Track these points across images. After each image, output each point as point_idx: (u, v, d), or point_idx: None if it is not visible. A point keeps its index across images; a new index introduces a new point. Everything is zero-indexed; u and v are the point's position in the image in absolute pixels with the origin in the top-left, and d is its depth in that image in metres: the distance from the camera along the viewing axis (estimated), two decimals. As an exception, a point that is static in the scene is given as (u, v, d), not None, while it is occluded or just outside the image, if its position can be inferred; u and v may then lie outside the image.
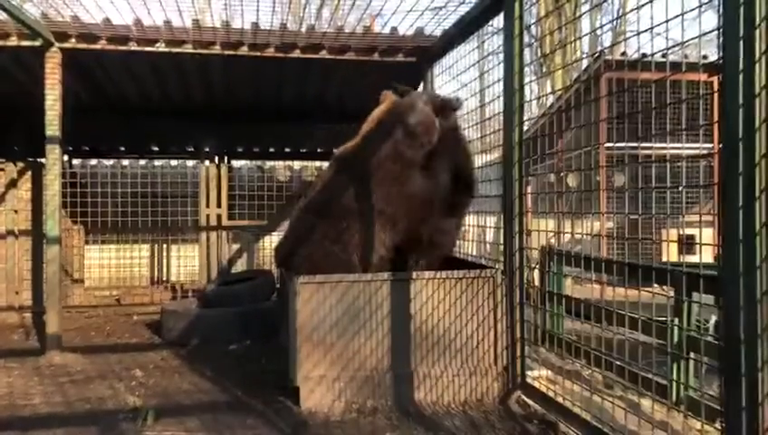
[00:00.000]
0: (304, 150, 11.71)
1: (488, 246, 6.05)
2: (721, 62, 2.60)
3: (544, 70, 14.55)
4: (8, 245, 7.90)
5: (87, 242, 9.32)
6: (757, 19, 2.45)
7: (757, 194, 2.45)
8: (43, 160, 6.64)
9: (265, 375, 5.35)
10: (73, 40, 6.15)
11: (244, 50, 6.46)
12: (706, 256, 5.71)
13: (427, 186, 5.02)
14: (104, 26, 6.01)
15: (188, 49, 6.38)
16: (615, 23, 17.09)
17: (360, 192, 4.88)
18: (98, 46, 6.25)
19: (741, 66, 2.49)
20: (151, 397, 4.75)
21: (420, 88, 6.89)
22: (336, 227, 4.84)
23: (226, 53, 6.46)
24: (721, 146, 2.61)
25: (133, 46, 6.30)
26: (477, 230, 6.06)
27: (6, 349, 6.44)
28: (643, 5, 3.37)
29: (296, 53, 6.54)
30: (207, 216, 9.15)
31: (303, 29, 6.30)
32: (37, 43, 6.08)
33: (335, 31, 6.33)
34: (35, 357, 5.96)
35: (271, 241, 9.42)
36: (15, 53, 6.51)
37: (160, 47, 6.34)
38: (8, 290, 7.87)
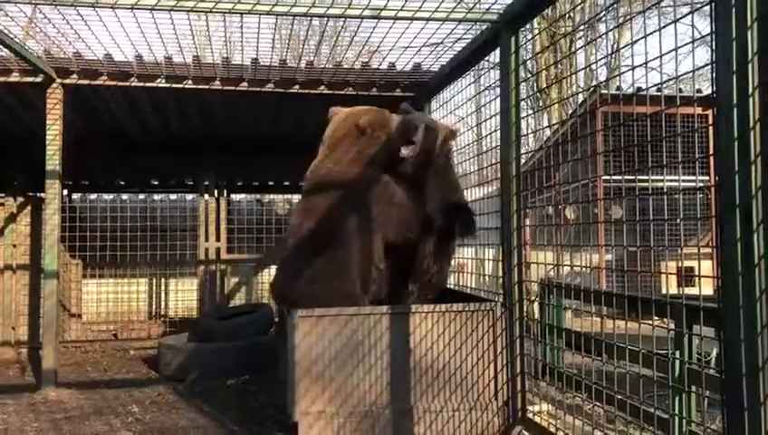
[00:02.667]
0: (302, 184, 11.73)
1: (487, 278, 6.04)
2: (715, 95, 2.63)
3: (540, 104, 14.71)
4: (6, 279, 7.88)
5: (85, 276, 9.29)
6: (749, 54, 2.48)
7: (755, 226, 2.45)
8: (42, 195, 6.66)
9: (263, 410, 5.30)
10: (75, 76, 6.23)
11: (243, 86, 6.55)
12: (706, 288, 5.71)
13: (414, 203, 5.05)
14: (106, 63, 6.08)
15: (189, 85, 6.46)
16: (610, 58, 17.31)
17: (342, 211, 4.86)
18: (99, 82, 6.33)
19: (735, 100, 2.52)
20: (148, 433, 4.70)
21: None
22: (328, 253, 4.79)
23: (226, 88, 6.54)
24: (717, 179, 2.63)
25: (134, 82, 6.37)
26: (476, 263, 6.06)
27: (2, 385, 6.38)
28: (637, 41, 3.43)
29: (295, 89, 6.62)
30: (206, 249, 9.15)
31: (302, 65, 6.39)
32: (39, 79, 6.16)
33: (334, 67, 6.41)
34: (31, 393, 5.90)
35: (269, 274, 9.39)
36: (17, 88, 6.58)
37: (161, 83, 6.42)
38: (5, 325, 7.82)
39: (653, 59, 3.26)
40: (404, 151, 4.96)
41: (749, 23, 2.48)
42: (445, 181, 5.20)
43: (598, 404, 3.98)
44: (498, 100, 4.80)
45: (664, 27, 3.24)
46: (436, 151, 5.10)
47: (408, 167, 5.00)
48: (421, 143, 4.98)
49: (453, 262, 5.69)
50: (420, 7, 4.66)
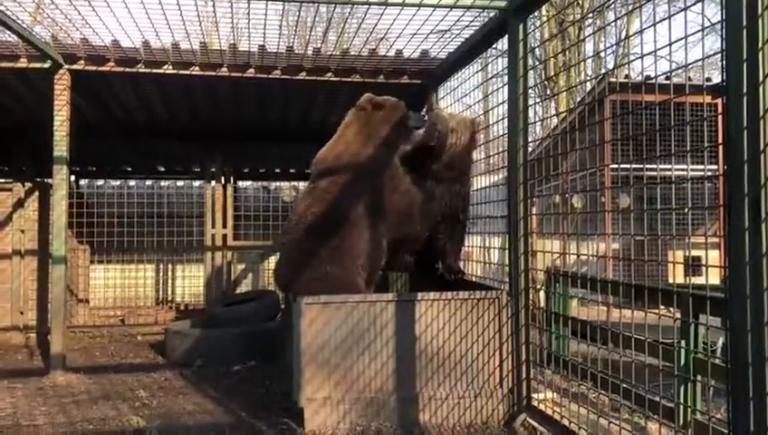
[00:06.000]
0: (310, 171, 11.75)
1: (493, 266, 6.03)
2: (724, 84, 2.61)
3: (548, 92, 14.61)
4: (14, 265, 7.92)
5: (92, 262, 9.33)
6: (760, 42, 2.46)
7: (763, 216, 2.44)
8: (50, 181, 6.68)
9: (269, 396, 5.33)
10: (82, 62, 6.23)
11: (250, 72, 6.53)
12: (713, 277, 5.69)
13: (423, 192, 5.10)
14: (113, 49, 6.08)
15: (196, 71, 6.44)
16: (618, 46, 17.18)
17: (347, 198, 4.85)
18: (106, 68, 6.32)
19: (744, 89, 2.50)
20: (155, 418, 4.73)
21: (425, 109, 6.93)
22: (332, 241, 4.77)
23: (233, 75, 6.52)
24: (726, 168, 2.61)
25: (141, 68, 6.36)
26: (482, 251, 6.06)
27: (10, 369, 6.43)
28: (646, 29, 3.40)
29: (302, 76, 6.60)
30: (213, 236, 9.16)
31: (309, 52, 6.36)
32: (46, 65, 6.16)
33: (341, 53, 6.38)
34: (39, 377, 5.95)
35: (276, 261, 9.41)
36: (25, 74, 6.59)
37: (168, 69, 6.40)
38: (13, 310, 7.88)
39: (662, 47, 3.24)
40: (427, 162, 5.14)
41: (759, 11, 2.46)
42: (454, 195, 5.25)
43: (603, 393, 3.99)
44: (506, 87, 4.77)
45: (673, 15, 3.22)
46: (459, 154, 5.18)
47: (436, 168, 5.10)
48: (444, 146, 5.07)
49: (463, 244, 5.71)
50: (428, -6, 4.62)
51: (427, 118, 5.40)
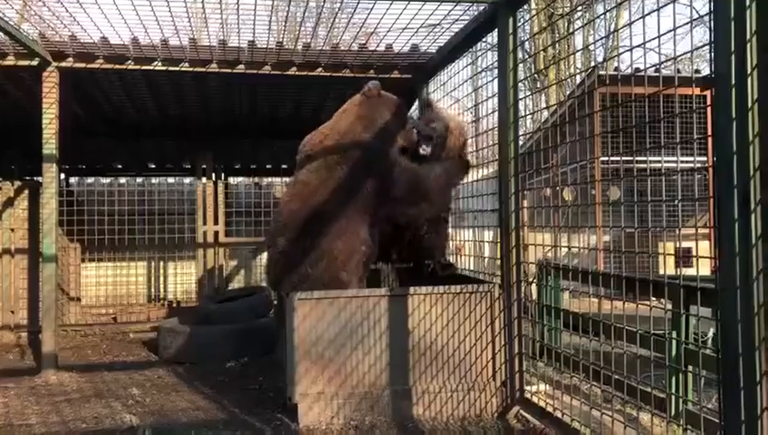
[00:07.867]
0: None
1: (485, 260, 6.05)
2: (713, 76, 2.62)
3: (538, 85, 14.65)
4: (4, 264, 7.88)
5: (83, 260, 9.29)
6: (748, 34, 2.47)
7: (752, 207, 2.46)
8: (40, 179, 6.65)
9: (263, 392, 5.33)
10: (71, 59, 6.18)
11: (240, 68, 6.49)
12: (703, 268, 5.72)
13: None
14: (101, 45, 6.04)
15: (185, 67, 6.40)
16: (608, 38, 17.22)
17: (334, 190, 4.74)
18: (95, 65, 6.28)
19: (733, 81, 2.51)
20: (148, 415, 4.73)
21: (416, 104, 6.94)
22: (320, 240, 4.70)
23: (223, 71, 6.49)
24: (715, 159, 2.63)
25: (130, 65, 6.32)
26: (474, 245, 6.07)
27: (2, 368, 6.40)
28: (635, 21, 3.41)
29: (292, 71, 6.58)
30: (204, 232, 9.14)
31: (299, 47, 6.34)
32: (34, 63, 6.11)
33: (331, 49, 6.37)
34: (31, 376, 5.92)
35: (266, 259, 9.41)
36: (13, 72, 6.54)
37: (157, 66, 6.36)
38: (4, 309, 7.84)
39: (651, 39, 3.25)
40: (423, 149, 5.09)
41: (747, 2, 2.47)
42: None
43: (595, 384, 4.01)
44: (496, 81, 4.78)
45: (662, 7, 3.23)
46: (452, 153, 5.19)
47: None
48: (440, 142, 5.07)
49: (448, 241, 5.72)
50: (418, -12, 4.62)
51: (423, 115, 5.41)
